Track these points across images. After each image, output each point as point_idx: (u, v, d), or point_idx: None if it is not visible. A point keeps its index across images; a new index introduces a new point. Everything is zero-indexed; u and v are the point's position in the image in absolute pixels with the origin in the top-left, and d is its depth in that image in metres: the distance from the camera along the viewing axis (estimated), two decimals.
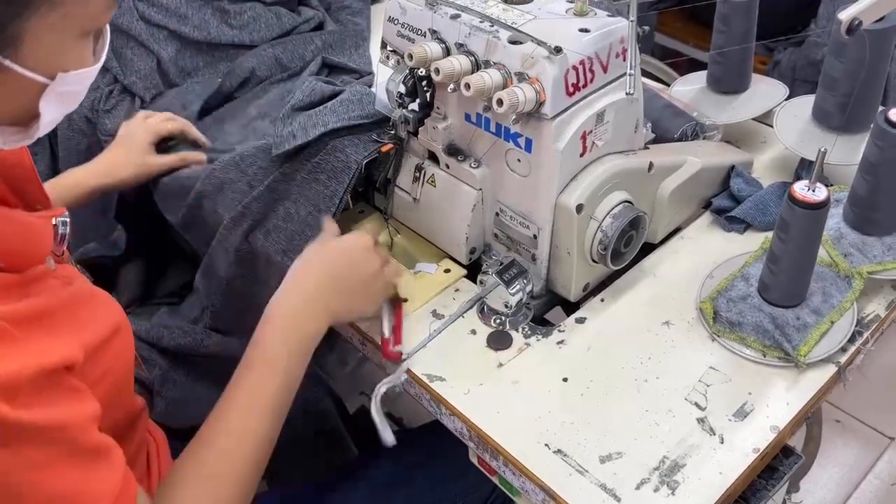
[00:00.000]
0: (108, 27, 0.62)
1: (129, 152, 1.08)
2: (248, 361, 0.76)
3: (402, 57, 0.89)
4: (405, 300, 0.92)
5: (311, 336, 0.80)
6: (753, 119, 1.14)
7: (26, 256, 0.62)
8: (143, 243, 1.22)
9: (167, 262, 1.25)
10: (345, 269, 0.83)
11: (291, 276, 0.82)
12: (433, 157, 0.97)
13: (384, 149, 0.98)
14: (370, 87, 1.09)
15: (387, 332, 0.86)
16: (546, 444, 0.78)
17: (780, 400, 0.81)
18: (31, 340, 0.56)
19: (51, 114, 0.60)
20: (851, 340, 0.85)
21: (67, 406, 0.58)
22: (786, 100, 1.11)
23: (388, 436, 0.80)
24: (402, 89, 0.92)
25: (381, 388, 0.83)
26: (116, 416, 0.75)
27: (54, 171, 1.29)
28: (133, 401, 0.79)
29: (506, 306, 0.90)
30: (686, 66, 2.10)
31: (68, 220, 0.69)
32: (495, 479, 0.85)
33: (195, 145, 1.14)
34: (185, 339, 1.04)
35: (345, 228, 1.04)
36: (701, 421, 0.80)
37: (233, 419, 0.73)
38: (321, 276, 0.82)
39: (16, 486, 0.54)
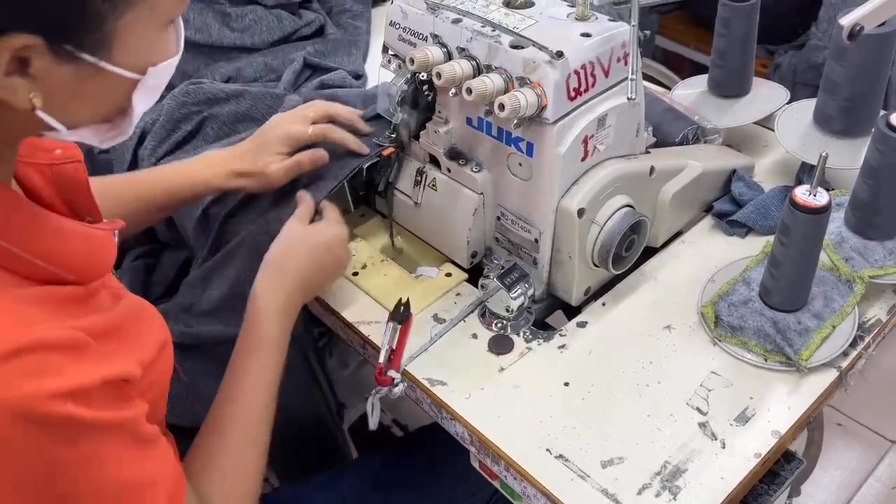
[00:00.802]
0: (180, 18, 0.62)
1: (247, 156, 0.95)
2: (247, 346, 0.81)
3: (404, 61, 0.89)
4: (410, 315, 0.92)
5: (294, 317, 0.85)
6: (754, 123, 1.14)
7: (94, 270, 0.63)
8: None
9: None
10: (319, 259, 0.87)
11: (273, 266, 0.86)
12: (434, 161, 0.97)
13: (385, 152, 0.98)
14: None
15: (382, 358, 0.86)
16: (547, 449, 0.78)
17: (781, 405, 0.81)
18: (105, 353, 0.58)
19: (141, 107, 0.60)
20: (853, 345, 0.85)
21: (129, 406, 0.61)
22: (787, 103, 1.11)
23: (373, 422, 0.84)
24: (404, 93, 0.92)
25: (379, 392, 0.85)
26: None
27: None
28: (164, 409, 0.80)
29: (507, 310, 0.89)
30: (687, 69, 2.11)
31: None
32: (496, 484, 0.85)
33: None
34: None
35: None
36: (702, 426, 0.80)
37: (246, 400, 0.78)
38: (302, 268, 0.86)
39: (95, 479, 0.57)
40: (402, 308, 0.90)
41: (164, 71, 0.60)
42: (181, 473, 0.66)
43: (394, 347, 0.87)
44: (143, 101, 0.60)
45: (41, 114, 0.54)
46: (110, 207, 0.81)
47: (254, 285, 0.85)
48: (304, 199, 0.93)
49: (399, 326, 0.89)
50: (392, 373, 0.85)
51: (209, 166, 0.95)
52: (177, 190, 0.94)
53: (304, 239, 0.88)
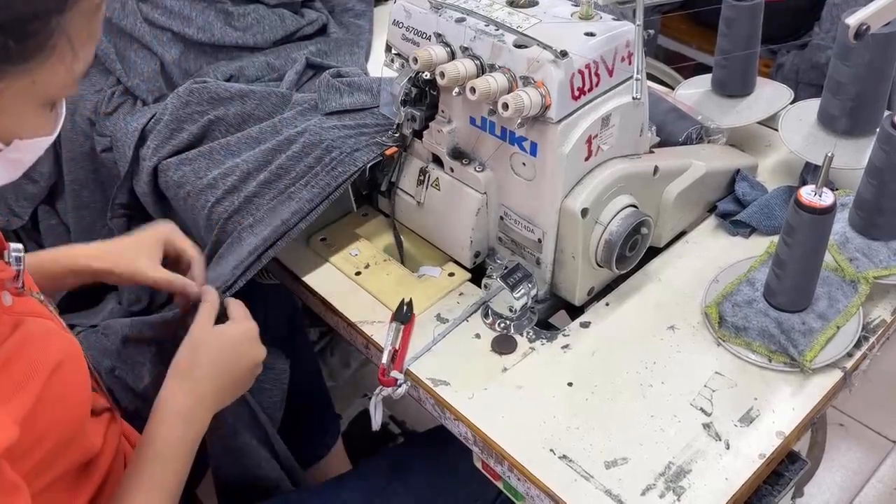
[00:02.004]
0: (63, 101, 0.60)
1: (129, 248, 0.94)
2: (142, 458, 0.77)
3: (407, 60, 0.89)
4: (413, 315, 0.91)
5: (201, 428, 0.82)
6: (758, 123, 1.14)
7: None
8: None
9: None
10: (234, 363, 0.85)
11: (180, 368, 0.83)
12: (437, 161, 0.96)
13: (388, 152, 0.98)
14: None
15: (385, 359, 0.85)
16: (551, 450, 0.78)
17: (785, 405, 0.81)
18: None
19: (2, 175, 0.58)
20: (857, 345, 0.85)
21: None
22: (791, 103, 1.11)
23: (376, 422, 0.83)
24: (407, 93, 0.92)
25: (382, 392, 0.85)
26: (73, 459, 0.75)
27: (59, 173, 1.29)
28: (90, 439, 0.78)
29: (510, 310, 0.89)
30: (690, 69, 2.10)
31: (23, 253, 0.68)
32: (500, 485, 0.84)
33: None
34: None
35: (349, 231, 1.05)
36: (706, 426, 0.79)
37: None
38: (212, 371, 0.83)
39: None
40: (404, 308, 0.90)
41: (30, 147, 0.58)
42: None
43: (397, 348, 0.87)
44: (2, 172, 0.58)
45: None
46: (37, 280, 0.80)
47: (160, 393, 0.82)
48: (210, 296, 0.89)
49: (402, 327, 0.89)
50: (395, 373, 0.85)
51: (96, 248, 0.94)
52: (79, 272, 0.92)
53: (214, 340, 0.85)
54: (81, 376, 0.71)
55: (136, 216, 1.21)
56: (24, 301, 0.67)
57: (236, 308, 0.90)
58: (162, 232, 0.97)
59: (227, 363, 0.85)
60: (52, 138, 0.59)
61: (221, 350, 0.85)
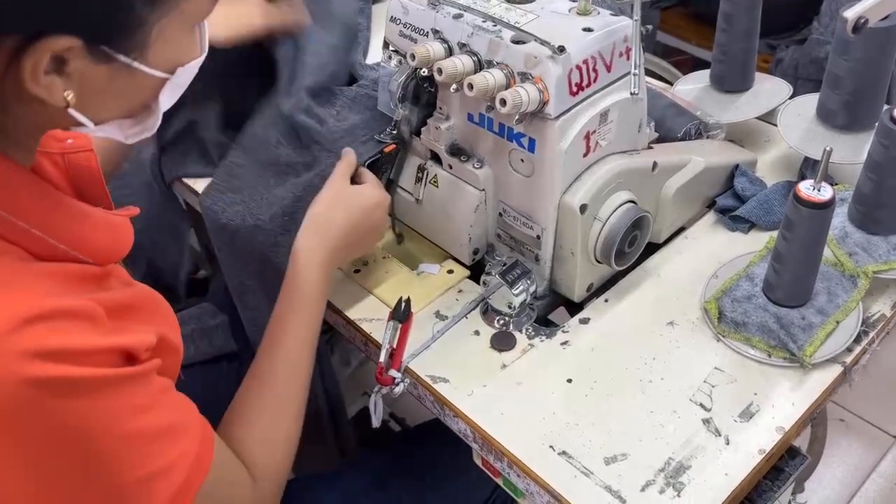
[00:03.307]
0: (204, 22, 0.63)
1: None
2: (291, 303, 0.82)
3: (405, 57, 0.89)
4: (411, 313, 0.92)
5: (331, 278, 0.87)
6: (757, 118, 1.14)
7: (112, 254, 0.64)
8: None
9: None
10: (365, 225, 0.89)
11: (318, 220, 0.87)
12: (436, 158, 0.96)
13: (387, 149, 0.97)
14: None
15: (383, 357, 0.85)
16: (551, 446, 0.78)
17: (785, 400, 0.81)
18: (119, 327, 0.59)
19: (165, 105, 0.62)
20: (857, 340, 0.85)
21: (140, 363, 0.61)
22: (789, 98, 1.11)
23: (376, 420, 0.84)
24: (405, 90, 0.92)
25: (381, 390, 0.84)
26: None
27: None
28: None
29: (509, 307, 0.89)
30: (689, 64, 2.10)
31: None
32: (499, 481, 0.84)
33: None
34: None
35: None
36: (706, 422, 0.79)
37: (288, 355, 0.80)
38: (346, 227, 0.87)
39: (117, 433, 0.57)
40: (402, 307, 0.90)
41: (190, 70, 0.61)
42: (207, 424, 0.67)
43: (394, 346, 0.87)
44: (167, 99, 0.62)
45: (72, 111, 0.55)
46: None
47: (296, 240, 0.85)
48: (348, 155, 0.92)
49: (400, 325, 0.89)
50: (393, 372, 0.85)
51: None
52: None
53: (347, 199, 0.88)
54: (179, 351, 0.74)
55: None
56: (118, 268, 0.69)
57: (370, 176, 0.93)
58: None
59: (358, 221, 0.88)
60: (202, 58, 0.62)
61: (356, 207, 0.88)
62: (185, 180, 1.14)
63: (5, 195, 0.56)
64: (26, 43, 0.51)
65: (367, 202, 0.89)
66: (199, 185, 1.09)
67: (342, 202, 0.88)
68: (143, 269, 1.27)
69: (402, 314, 0.89)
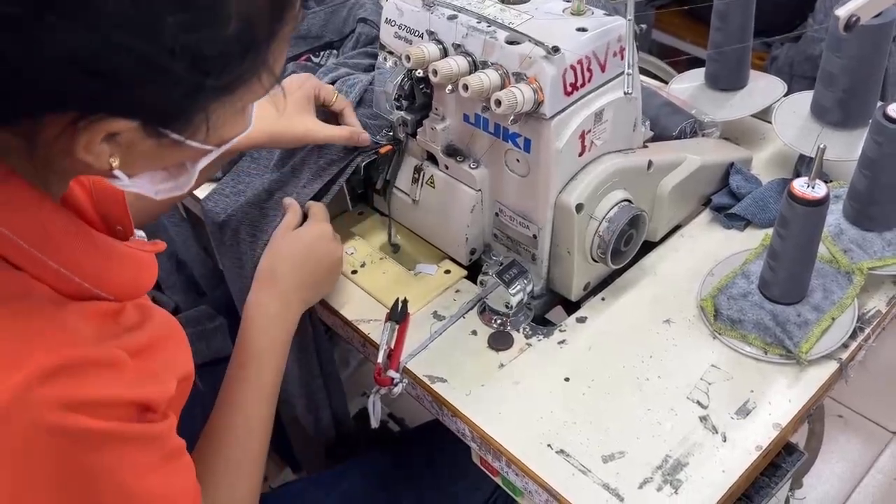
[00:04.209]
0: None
1: (282, 112, 0.93)
2: (239, 362, 0.81)
3: (400, 58, 0.89)
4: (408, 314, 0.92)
5: (291, 327, 0.86)
6: (752, 116, 1.14)
7: (134, 291, 0.63)
8: None
9: None
10: (312, 262, 0.89)
11: (263, 275, 0.87)
12: (432, 159, 0.97)
13: (383, 150, 0.98)
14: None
15: (381, 358, 0.86)
16: (548, 445, 0.78)
17: (782, 397, 0.81)
18: (143, 371, 0.59)
19: (201, 166, 0.63)
20: (853, 336, 0.85)
21: (159, 420, 0.61)
22: (784, 96, 1.11)
23: (374, 421, 0.85)
24: (400, 91, 0.92)
25: (380, 391, 0.85)
26: None
27: None
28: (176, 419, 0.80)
29: (506, 306, 0.89)
30: (684, 63, 2.10)
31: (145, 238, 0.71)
32: (498, 480, 0.85)
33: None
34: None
35: (345, 230, 1.05)
36: (703, 419, 0.80)
37: (238, 418, 0.78)
38: (292, 271, 0.87)
39: (122, 492, 0.57)
40: (399, 307, 0.90)
41: (234, 142, 0.62)
42: (199, 490, 0.67)
43: (392, 347, 0.87)
44: (205, 162, 0.62)
45: (115, 171, 0.56)
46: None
47: (247, 300, 0.85)
48: (292, 207, 0.93)
49: (397, 326, 0.89)
50: (391, 372, 0.85)
51: None
52: None
53: (288, 244, 0.88)
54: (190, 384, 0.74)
55: None
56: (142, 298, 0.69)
57: (314, 211, 0.93)
58: (310, 84, 0.96)
59: (306, 263, 0.88)
60: (246, 132, 0.63)
61: (299, 250, 0.88)
62: None
63: (37, 232, 0.56)
64: (85, 118, 0.51)
65: (308, 241, 0.89)
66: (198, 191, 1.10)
67: (283, 251, 0.88)
68: (164, 262, 1.27)
69: (399, 315, 0.90)
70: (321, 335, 1.03)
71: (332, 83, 1.05)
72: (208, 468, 0.75)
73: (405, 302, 0.91)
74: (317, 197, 0.96)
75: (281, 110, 0.93)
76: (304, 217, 0.94)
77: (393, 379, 0.84)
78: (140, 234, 0.71)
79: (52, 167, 0.56)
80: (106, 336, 0.58)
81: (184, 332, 0.70)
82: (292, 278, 0.87)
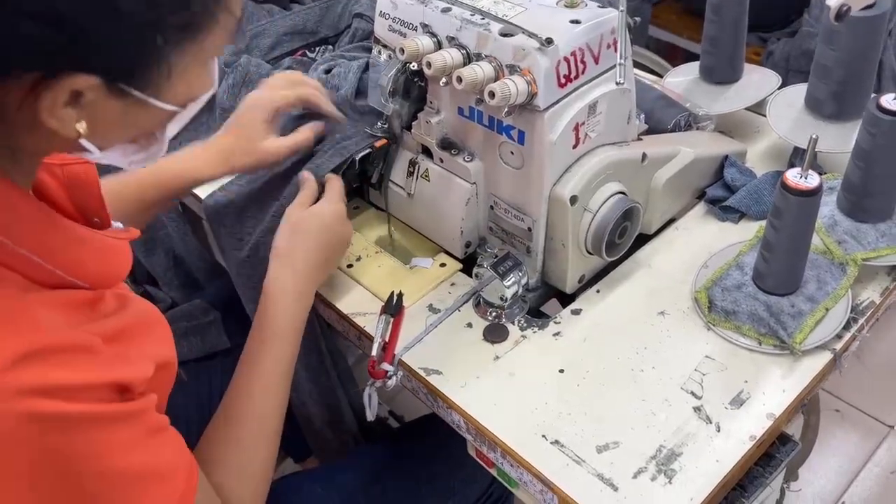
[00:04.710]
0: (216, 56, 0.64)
1: (239, 138, 0.95)
2: (261, 337, 0.82)
3: (394, 51, 0.89)
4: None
5: (307, 306, 0.87)
6: (746, 109, 1.14)
7: (109, 279, 0.64)
8: None
9: None
10: (325, 239, 0.89)
11: (282, 252, 0.87)
12: (427, 152, 0.97)
13: (378, 144, 0.98)
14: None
15: (375, 351, 0.86)
16: (543, 435, 0.79)
17: (776, 387, 0.82)
18: (116, 355, 0.59)
19: (172, 131, 0.62)
20: (846, 327, 0.86)
21: (137, 399, 0.61)
22: (778, 89, 1.11)
23: (370, 414, 0.85)
24: (395, 84, 0.92)
25: (375, 383, 0.85)
26: None
27: None
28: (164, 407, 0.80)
29: (501, 299, 0.90)
30: (681, 58, 2.10)
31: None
32: (493, 472, 0.85)
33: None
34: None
35: None
36: (697, 409, 0.80)
37: (257, 392, 0.79)
38: (310, 252, 0.88)
39: (108, 471, 0.57)
40: (394, 301, 0.91)
41: (197, 105, 0.62)
42: (194, 462, 0.67)
43: (387, 340, 0.87)
44: (173, 128, 0.62)
45: (83, 141, 0.56)
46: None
47: (266, 277, 0.86)
48: (308, 182, 0.93)
49: (392, 319, 0.89)
50: (385, 365, 0.85)
51: (197, 157, 0.95)
52: (167, 186, 0.94)
53: (306, 223, 0.89)
54: (174, 373, 0.73)
55: None
56: (119, 285, 0.69)
57: (331, 188, 0.93)
58: (262, 104, 0.96)
59: (322, 241, 0.88)
60: (212, 93, 0.62)
61: (316, 229, 0.88)
62: None
63: (6, 220, 0.56)
64: (46, 79, 0.51)
65: (325, 221, 0.89)
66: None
67: (301, 230, 0.88)
68: (161, 258, 1.28)
69: (393, 308, 0.90)
70: (327, 331, 1.03)
71: (328, 72, 1.05)
72: (227, 440, 0.76)
73: (400, 295, 0.91)
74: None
75: (237, 136, 0.95)
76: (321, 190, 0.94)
77: (387, 372, 0.85)
78: (118, 224, 0.70)
79: (18, 144, 0.56)
80: (77, 323, 0.58)
81: (165, 321, 0.70)
82: (311, 259, 0.87)
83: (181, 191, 0.96)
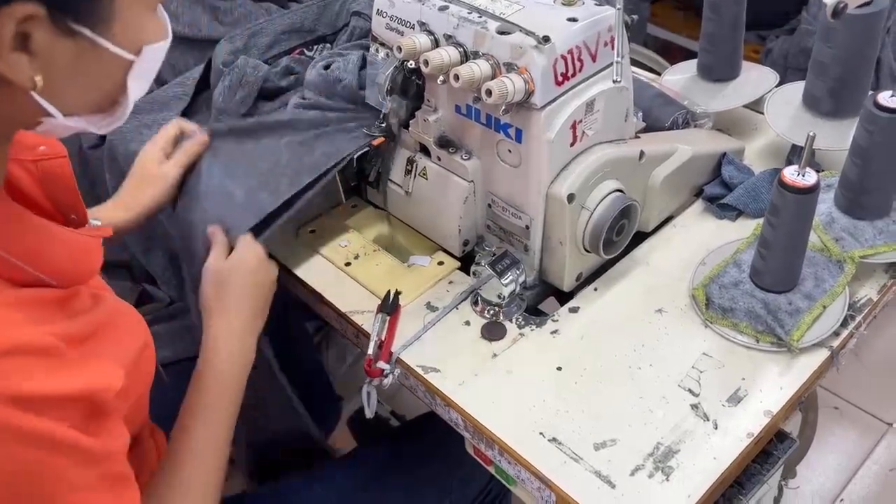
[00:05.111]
0: (160, 5, 0.63)
1: (143, 176, 0.97)
2: (198, 396, 0.80)
3: (392, 50, 0.89)
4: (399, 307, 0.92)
5: (249, 355, 0.86)
6: (744, 106, 1.14)
7: (78, 276, 0.63)
8: None
9: None
10: (253, 287, 0.88)
11: (212, 310, 0.86)
12: (425, 150, 0.97)
13: (375, 142, 0.98)
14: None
15: (371, 350, 0.86)
16: (541, 433, 0.79)
17: (773, 385, 0.82)
18: (82, 362, 0.58)
19: (135, 92, 0.61)
20: (844, 324, 0.86)
21: (111, 434, 0.60)
22: (777, 87, 1.11)
23: (369, 411, 0.85)
24: (392, 82, 0.92)
25: (373, 382, 0.85)
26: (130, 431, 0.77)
27: None
28: (145, 413, 0.80)
29: (499, 297, 0.90)
30: (680, 56, 2.10)
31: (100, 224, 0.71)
32: (491, 469, 0.85)
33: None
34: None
35: (338, 222, 1.05)
36: (694, 407, 0.80)
37: (198, 439, 0.78)
38: (239, 302, 0.86)
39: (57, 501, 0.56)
40: (391, 299, 0.91)
41: (157, 53, 0.61)
42: None
43: (383, 339, 0.88)
44: (137, 85, 0.61)
45: (39, 98, 0.55)
46: None
47: (204, 334, 0.84)
48: (216, 236, 0.91)
49: (388, 318, 0.89)
50: (381, 364, 0.85)
51: (106, 209, 0.95)
52: None
53: (229, 274, 0.87)
54: (153, 356, 0.74)
55: None
56: (94, 279, 0.69)
57: (241, 238, 0.92)
58: (149, 149, 0.98)
59: (250, 290, 0.87)
60: (168, 42, 0.62)
61: (242, 280, 0.87)
62: None
63: None
64: None
65: (250, 266, 0.88)
66: None
67: (227, 282, 0.87)
68: (159, 257, 1.27)
69: (390, 307, 0.90)
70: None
71: (327, 68, 1.05)
72: (159, 492, 0.74)
73: (396, 294, 0.91)
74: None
75: (131, 177, 0.97)
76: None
77: (383, 370, 0.85)
78: (95, 222, 0.70)
79: None
80: (40, 321, 0.57)
81: (140, 317, 0.70)
82: (243, 312, 0.86)
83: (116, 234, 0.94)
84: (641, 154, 0.94)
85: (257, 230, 0.91)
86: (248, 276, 0.87)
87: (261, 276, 0.89)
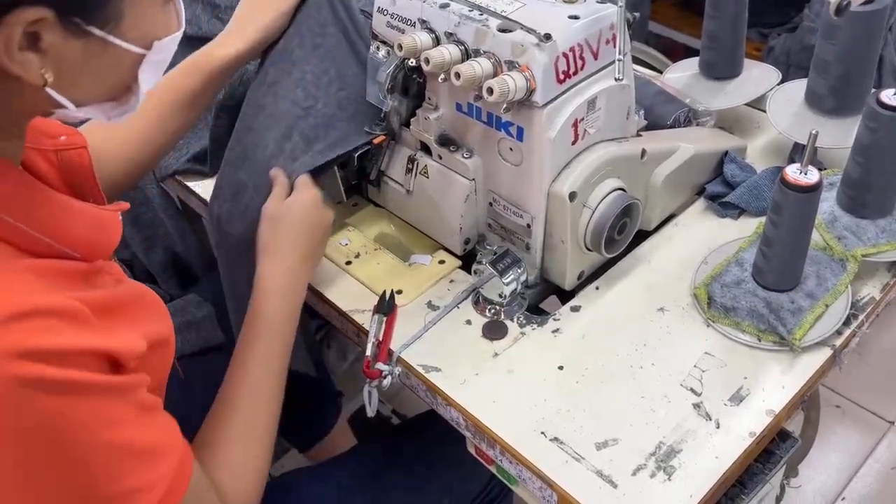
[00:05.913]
0: None
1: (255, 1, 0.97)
2: (253, 333, 0.82)
3: (392, 48, 0.89)
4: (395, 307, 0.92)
5: (300, 295, 0.87)
6: (746, 104, 1.14)
7: (99, 249, 0.64)
8: None
9: None
10: (307, 228, 0.88)
11: (268, 249, 0.87)
12: (425, 148, 0.96)
13: (376, 140, 0.97)
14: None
15: (369, 351, 0.86)
16: (542, 432, 0.78)
17: (775, 384, 0.81)
18: (106, 327, 0.58)
19: (146, 83, 0.62)
20: (846, 323, 0.85)
21: (127, 374, 0.60)
22: (779, 84, 1.11)
23: (371, 410, 0.85)
24: (393, 80, 0.92)
25: (373, 381, 0.85)
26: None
27: None
28: (162, 400, 0.80)
29: (500, 296, 0.89)
30: (682, 54, 2.10)
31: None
32: (492, 469, 0.85)
33: None
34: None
35: (339, 221, 1.05)
36: (697, 406, 0.80)
37: (255, 387, 0.79)
38: (295, 245, 0.87)
39: (97, 441, 0.57)
40: (387, 300, 0.90)
41: (168, 46, 0.61)
42: (189, 449, 0.66)
43: (380, 339, 0.87)
44: (148, 77, 0.61)
45: (51, 91, 0.55)
46: (154, 118, 0.90)
47: (256, 273, 0.85)
48: (278, 178, 0.92)
49: (384, 318, 0.89)
50: (380, 364, 0.85)
51: (220, 37, 0.96)
52: (205, 70, 0.95)
53: (287, 214, 0.88)
54: (172, 349, 0.74)
55: None
56: (112, 265, 0.69)
57: (300, 180, 0.92)
58: None
59: (305, 230, 0.88)
60: (181, 33, 0.63)
61: (298, 218, 0.88)
62: (178, 178, 1.15)
63: None
64: None
65: (306, 208, 0.88)
66: (191, 183, 1.10)
67: (284, 222, 0.87)
68: (160, 255, 1.28)
69: (386, 307, 0.90)
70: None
71: None
72: (222, 432, 0.75)
73: (392, 294, 0.91)
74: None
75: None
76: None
77: (382, 371, 0.84)
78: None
79: None
80: (68, 290, 0.57)
81: (162, 303, 0.70)
82: (297, 251, 0.86)
83: (220, 73, 0.96)
84: (643, 152, 0.93)
85: (316, 173, 0.92)
86: (304, 215, 0.88)
87: (316, 217, 0.89)
